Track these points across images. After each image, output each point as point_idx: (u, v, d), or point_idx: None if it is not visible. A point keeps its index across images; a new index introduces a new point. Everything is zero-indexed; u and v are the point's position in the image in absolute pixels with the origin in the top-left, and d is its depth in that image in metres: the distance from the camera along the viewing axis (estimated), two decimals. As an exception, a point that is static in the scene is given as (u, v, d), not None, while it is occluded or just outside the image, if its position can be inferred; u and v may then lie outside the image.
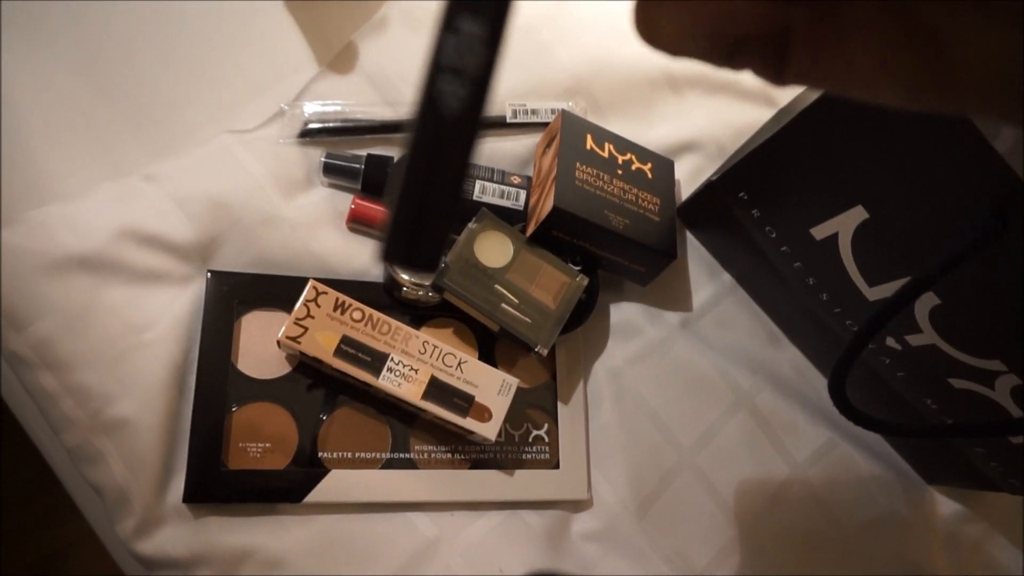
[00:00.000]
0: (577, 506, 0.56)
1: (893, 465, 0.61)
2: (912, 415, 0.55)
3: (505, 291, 0.52)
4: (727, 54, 0.19)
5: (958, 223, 0.38)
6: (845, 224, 0.46)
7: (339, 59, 0.60)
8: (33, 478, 1.03)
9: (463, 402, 0.52)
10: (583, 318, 0.56)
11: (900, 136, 0.39)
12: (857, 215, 0.45)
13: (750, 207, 0.54)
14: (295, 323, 0.50)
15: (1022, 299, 0.39)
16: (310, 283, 0.51)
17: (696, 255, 0.63)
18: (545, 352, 0.52)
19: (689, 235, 0.63)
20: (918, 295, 0.39)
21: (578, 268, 0.56)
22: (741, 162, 0.52)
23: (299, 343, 0.50)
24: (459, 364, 0.52)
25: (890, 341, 0.51)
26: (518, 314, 0.52)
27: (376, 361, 0.51)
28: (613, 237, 0.54)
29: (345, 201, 0.57)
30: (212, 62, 0.60)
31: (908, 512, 0.60)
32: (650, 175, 0.59)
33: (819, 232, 0.49)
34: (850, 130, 0.42)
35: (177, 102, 0.59)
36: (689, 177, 0.63)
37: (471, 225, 0.55)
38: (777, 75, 0.19)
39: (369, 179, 0.57)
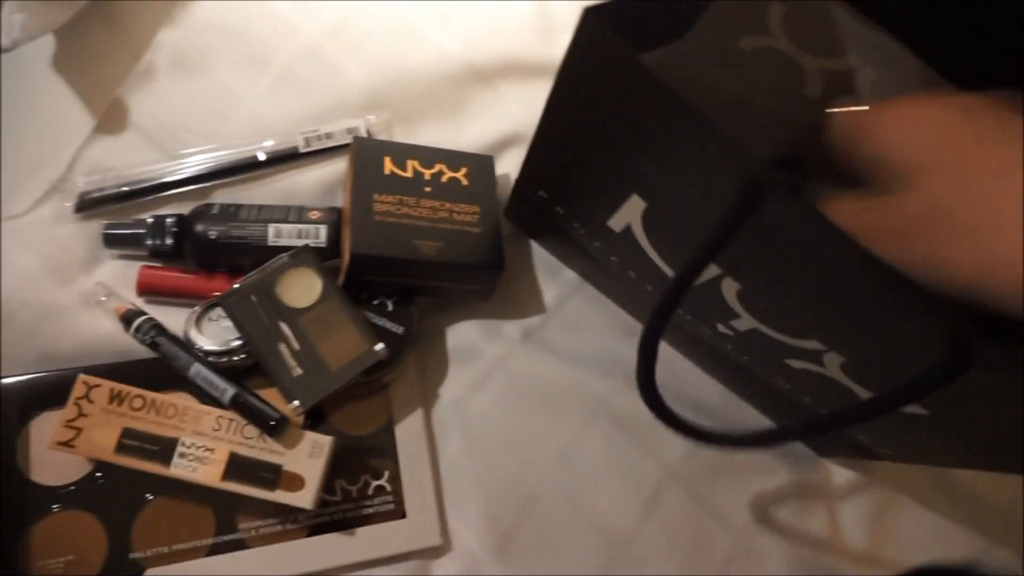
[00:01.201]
0: (434, 552, 0.52)
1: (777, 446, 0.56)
2: (776, 396, 0.50)
3: (290, 333, 0.48)
4: None
5: (719, 205, 0.33)
6: (632, 213, 0.42)
7: (109, 118, 0.55)
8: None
9: (270, 474, 0.47)
10: (401, 356, 0.51)
11: (645, 118, 0.35)
12: (637, 203, 0.40)
13: (553, 205, 0.49)
14: (66, 426, 0.46)
15: (807, 274, 0.34)
16: (79, 379, 0.46)
17: (536, 255, 0.58)
18: (301, 411, 0.47)
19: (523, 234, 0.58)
20: (688, 283, 0.34)
21: (391, 308, 0.51)
22: (526, 159, 0.47)
23: (74, 447, 0.45)
24: (261, 434, 0.48)
25: (721, 328, 0.46)
26: (292, 362, 0.47)
27: (165, 449, 0.46)
28: (429, 265, 0.49)
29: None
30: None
31: (800, 492, 0.55)
32: (466, 182, 0.53)
33: (615, 224, 0.44)
34: (597, 116, 0.38)
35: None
36: (517, 173, 0.58)
37: (285, 258, 0.50)
38: None
39: (155, 243, 0.52)
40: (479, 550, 0.51)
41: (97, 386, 0.46)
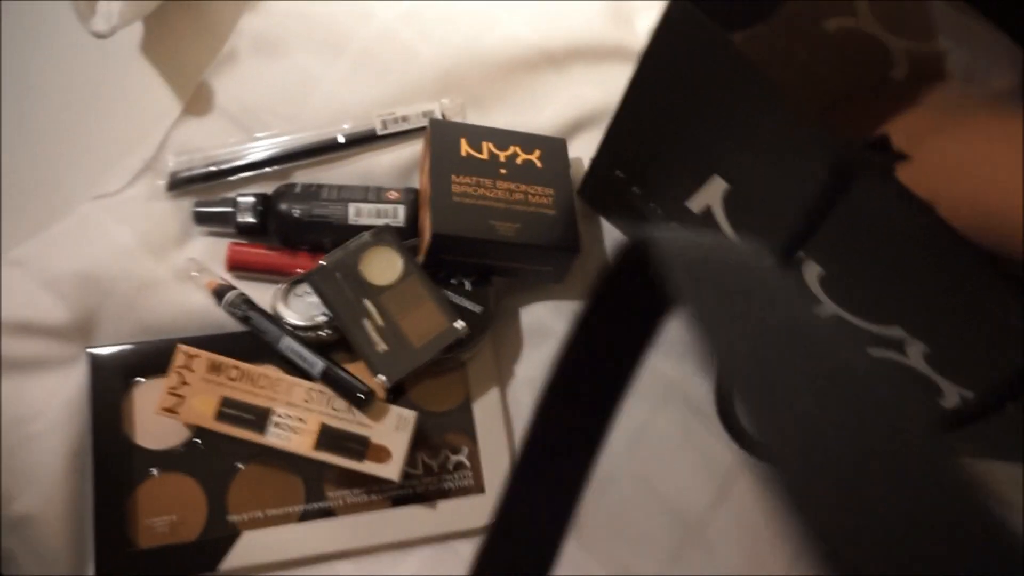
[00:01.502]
0: (511, 526, 0.53)
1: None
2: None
3: (374, 310, 0.49)
4: None
5: (808, 187, 0.34)
6: (712, 195, 0.42)
7: (195, 101, 0.57)
8: None
9: (358, 446, 0.49)
10: (481, 335, 0.52)
11: (734, 100, 0.35)
12: (719, 186, 0.41)
13: (630, 185, 0.49)
14: (169, 393, 0.48)
15: (894, 256, 0.34)
16: (178, 349, 0.49)
17: (609, 235, 0.59)
18: (388, 385, 0.49)
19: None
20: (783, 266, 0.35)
21: (468, 287, 0.53)
22: (605, 140, 0.47)
23: (177, 413, 0.48)
24: (350, 406, 0.50)
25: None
26: (376, 337, 0.49)
27: (259, 418, 0.49)
28: (506, 247, 0.50)
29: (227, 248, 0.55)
30: (75, 127, 0.59)
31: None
32: (539, 164, 0.54)
33: (695, 205, 0.45)
34: (682, 97, 0.38)
35: (43, 176, 0.57)
36: (590, 156, 0.59)
37: (366, 236, 0.52)
38: None
39: (242, 221, 0.54)
40: (553, 523, 0.53)
41: (196, 356, 0.49)
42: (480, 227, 0.50)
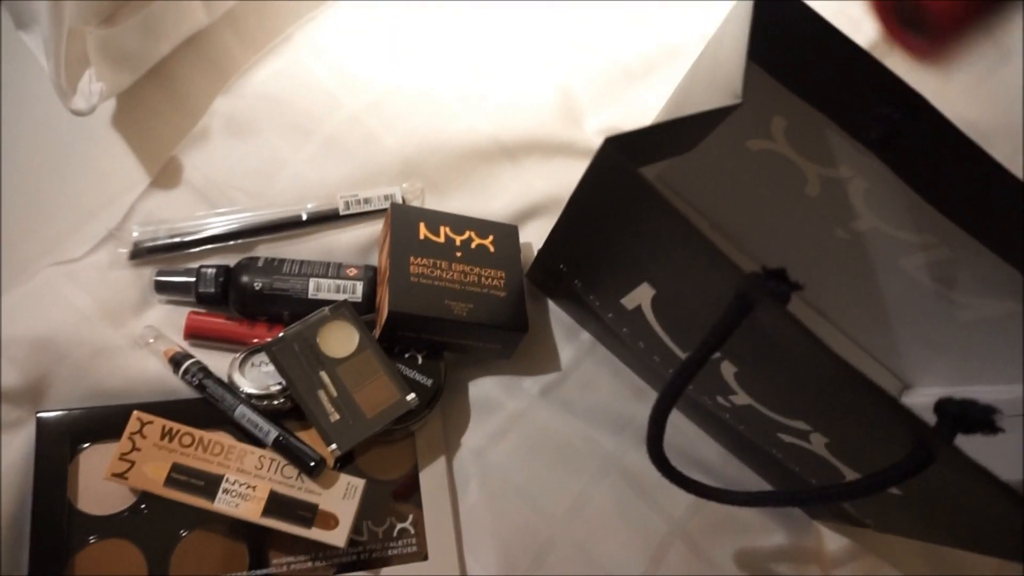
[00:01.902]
0: (452, 596, 0.55)
1: (772, 507, 0.60)
2: (771, 464, 0.54)
3: (328, 381, 0.52)
4: None
5: (717, 305, 0.38)
6: (643, 297, 0.47)
7: (164, 174, 0.60)
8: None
9: (307, 512, 0.50)
10: (427, 406, 0.55)
11: (649, 224, 0.40)
12: (647, 290, 0.46)
13: (572, 278, 0.54)
14: (120, 458, 0.49)
15: (792, 367, 0.39)
16: (133, 415, 0.50)
17: (554, 316, 0.63)
18: (339, 453, 0.51)
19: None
20: (691, 374, 0.39)
21: (420, 361, 0.56)
22: (549, 237, 0.52)
23: (127, 479, 0.49)
24: (299, 474, 0.51)
25: (720, 400, 0.50)
26: (330, 407, 0.51)
27: (210, 485, 0.50)
28: (459, 325, 0.54)
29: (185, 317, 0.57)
30: (41, 192, 0.60)
31: (796, 554, 0.59)
32: (492, 248, 0.58)
33: (628, 303, 0.49)
34: (610, 218, 0.43)
35: (6, 238, 0.58)
36: (539, 241, 0.63)
37: (326, 311, 0.54)
38: None
39: (202, 292, 0.56)
40: (494, 593, 0.55)
41: (150, 423, 0.50)
42: (435, 306, 0.53)
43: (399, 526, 0.55)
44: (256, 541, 0.52)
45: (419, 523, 0.55)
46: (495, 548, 0.56)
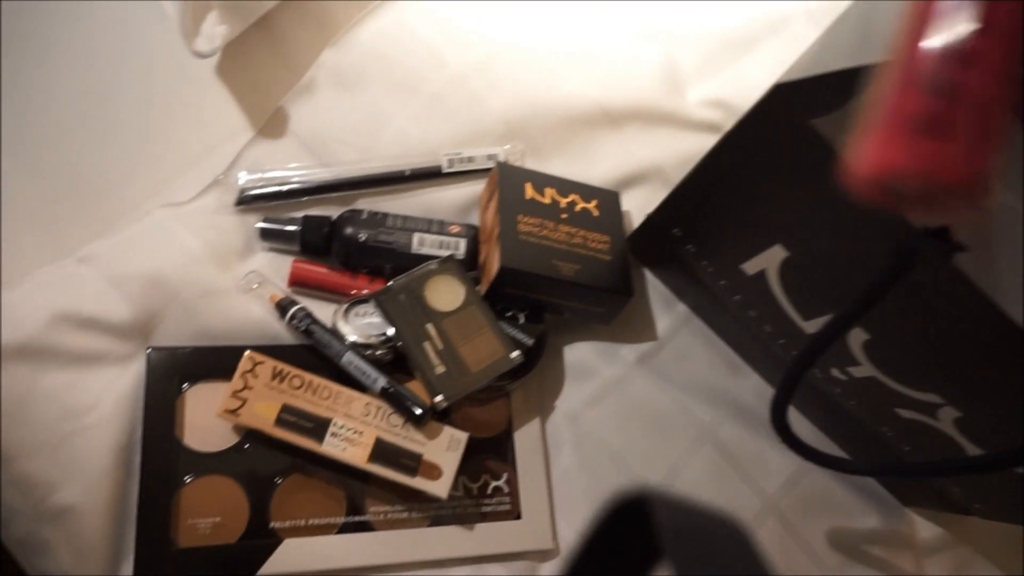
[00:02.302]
0: (543, 556, 0.55)
1: (866, 489, 0.59)
2: (874, 442, 0.53)
3: (435, 334, 0.52)
4: None
5: (870, 263, 0.37)
6: (770, 261, 0.46)
7: (270, 124, 0.60)
8: None
9: (411, 462, 0.51)
10: (530, 367, 0.55)
11: (809, 179, 0.39)
12: (778, 253, 0.45)
13: (685, 243, 0.53)
14: (233, 396, 0.49)
15: (943, 333, 0.38)
16: (246, 354, 0.50)
17: (650, 286, 0.62)
18: (444, 405, 0.50)
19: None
20: (836, 336, 0.38)
21: (522, 321, 0.55)
22: (669, 198, 0.51)
23: (238, 416, 0.49)
24: (405, 423, 0.51)
25: (835, 372, 0.49)
26: (435, 360, 0.51)
27: (318, 427, 0.50)
28: (566, 285, 0.53)
29: (287, 265, 0.57)
30: (148, 135, 0.61)
31: (888, 539, 0.58)
32: (596, 213, 0.58)
33: (749, 268, 0.48)
34: (760, 171, 0.42)
35: (114, 179, 0.59)
36: (638, 210, 0.62)
37: (432, 265, 0.54)
38: None
39: (307, 241, 0.57)
40: (584, 556, 0.54)
41: (261, 363, 0.50)
42: (544, 265, 0.53)
43: (493, 484, 0.55)
44: (353, 489, 0.53)
45: (512, 482, 0.55)
46: (587, 512, 0.56)
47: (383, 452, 0.50)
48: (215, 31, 0.53)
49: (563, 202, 0.57)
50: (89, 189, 0.58)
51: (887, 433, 0.51)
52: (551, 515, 0.55)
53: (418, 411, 0.50)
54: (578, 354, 0.59)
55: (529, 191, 0.57)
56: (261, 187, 0.58)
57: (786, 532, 0.57)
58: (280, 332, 0.56)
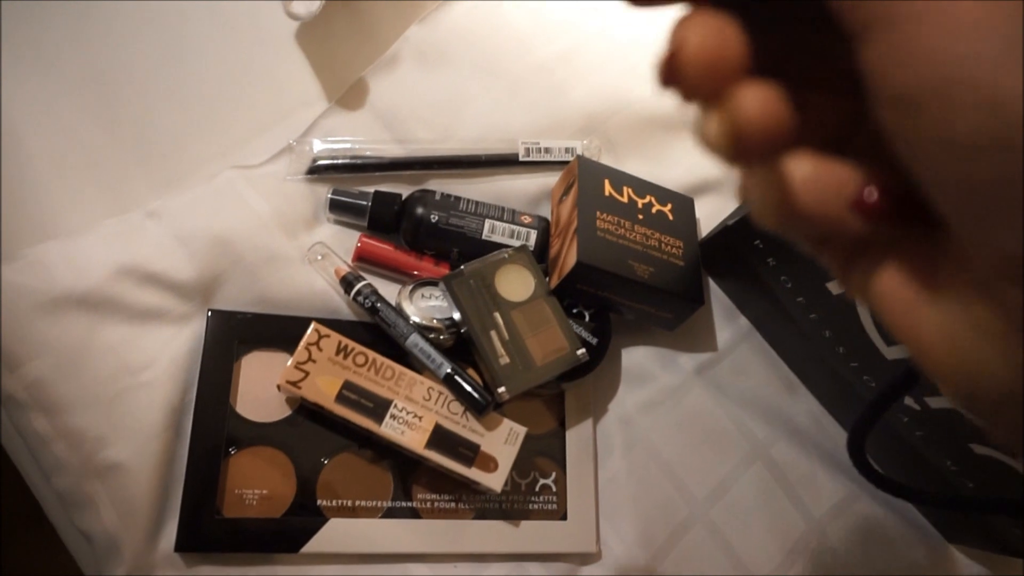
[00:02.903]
0: (585, 558, 0.54)
1: (913, 521, 0.58)
2: (930, 474, 0.52)
3: (501, 323, 0.51)
4: (817, 238, 0.21)
5: None
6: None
7: (349, 95, 0.59)
8: (21, 516, 1.01)
9: (468, 451, 0.50)
10: (592, 365, 0.54)
11: None
12: None
13: (765, 255, 0.52)
14: (296, 367, 0.48)
15: None
16: (312, 326, 0.49)
17: (713, 296, 0.61)
18: (507, 397, 0.49)
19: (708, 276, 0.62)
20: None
21: (587, 319, 0.54)
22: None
23: (300, 388, 0.48)
24: (465, 411, 0.50)
25: (909, 401, 0.48)
26: (501, 349, 0.50)
27: (379, 407, 0.49)
28: (639, 287, 0.52)
29: (352, 239, 0.56)
30: (220, 96, 0.60)
31: (931, 572, 0.57)
32: (671, 216, 0.57)
33: (835, 287, 0.47)
34: None
35: (184, 136, 0.58)
36: (708, 218, 0.61)
37: (505, 253, 0.53)
38: (844, 278, 0.21)
39: (376, 216, 0.56)
40: (628, 564, 0.54)
41: (327, 336, 0.49)
42: (620, 264, 0.52)
43: (541, 481, 0.54)
44: (401, 473, 0.52)
45: (560, 482, 0.54)
46: (633, 519, 0.55)
47: (441, 439, 0.49)
48: (311, -7, 0.52)
49: (640, 203, 0.56)
50: (158, 145, 0.57)
51: (950, 467, 0.50)
52: (596, 518, 0.54)
53: (483, 402, 0.49)
54: (635, 358, 0.58)
55: (607, 188, 0.56)
56: (334, 157, 0.57)
57: (830, 557, 0.56)
58: (340, 306, 0.55)
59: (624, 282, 0.52)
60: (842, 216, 0.18)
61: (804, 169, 0.18)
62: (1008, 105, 0.14)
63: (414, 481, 0.52)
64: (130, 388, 0.49)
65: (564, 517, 0.54)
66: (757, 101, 0.17)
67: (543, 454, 0.55)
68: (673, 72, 0.17)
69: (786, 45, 0.20)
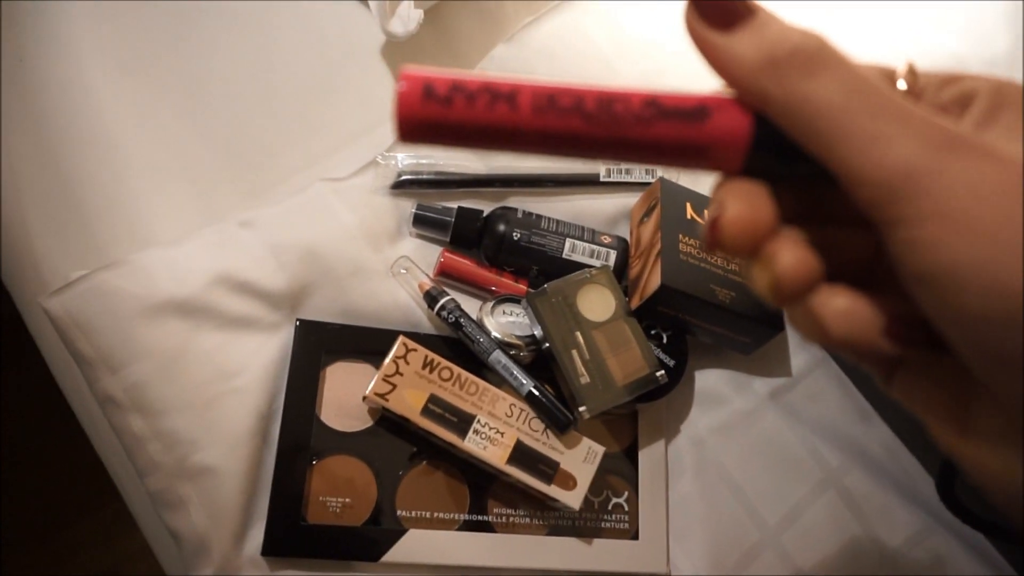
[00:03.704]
0: (655, 580, 0.54)
1: (989, 558, 0.58)
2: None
3: (582, 342, 0.51)
4: (856, 356, 0.24)
5: None
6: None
7: (433, 111, 0.60)
8: (88, 497, 1.05)
9: (548, 468, 0.50)
10: (670, 387, 0.54)
11: None
12: None
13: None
14: (384, 380, 0.49)
15: None
16: (400, 339, 0.51)
17: (788, 322, 0.61)
18: (587, 416, 0.50)
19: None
20: None
21: (665, 340, 0.55)
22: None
23: (387, 400, 0.49)
24: (545, 429, 0.51)
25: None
26: (581, 368, 0.51)
27: (462, 422, 0.50)
28: (719, 311, 0.53)
29: (433, 253, 0.57)
30: (308, 108, 0.62)
31: (1005, 610, 0.56)
32: (743, 241, 0.57)
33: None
34: None
35: (272, 146, 0.60)
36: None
37: (587, 273, 0.54)
38: (886, 385, 0.24)
39: (459, 232, 0.57)
40: (698, 586, 0.54)
41: (414, 350, 0.50)
42: (702, 288, 0.52)
43: (614, 500, 0.55)
44: (477, 487, 0.53)
45: (632, 502, 0.55)
46: (703, 541, 0.55)
47: (522, 455, 0.50)
48: (411, 14, 0.53)
49: (719, 227, 0.56)
50: (248, 154, 0.59)
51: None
52: (667, 539, 0.55)
53: (566, 421, 0.50)
54: (709, 380, 0.59)
55: (689, 211, 0.56)
56: (418, 173, 0.59)
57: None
58: (421, 320, 0.56)
59: (705, 306, 0.52)
60: (876, 341, 0.21)
61: (837, 304, 0.21)
62: (1010, 292, 0.17)
63: (490, 495, 0.53)
64: (223, 394, 0.51)
65: (636, 536, 0.54)
66: (790, 258, 0.20)
67: (616, 473, 0.55)
68: (715, 239, 0.21)
69: (808, 194, 0.23)
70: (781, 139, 0.21)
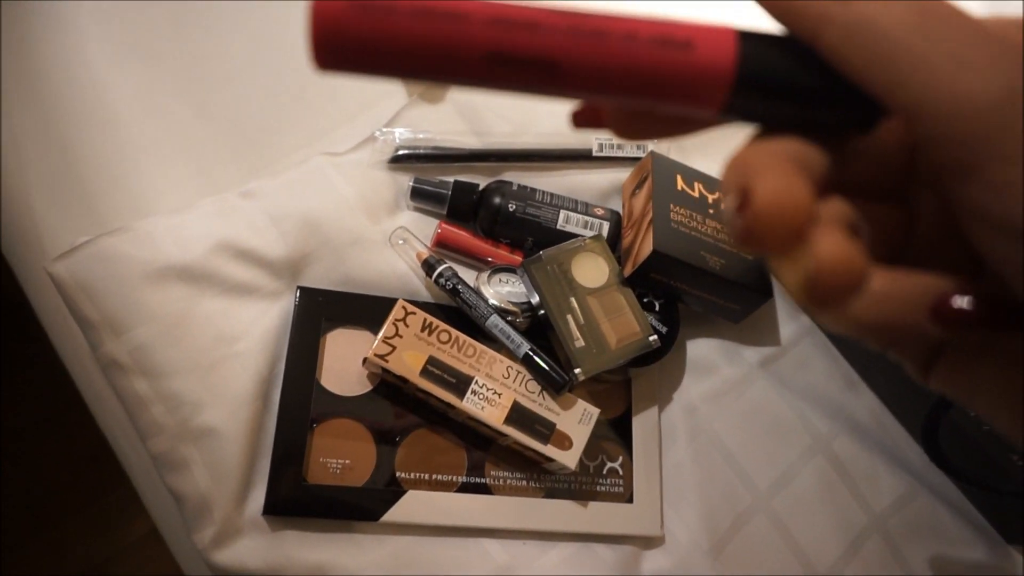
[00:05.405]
0: (649, 542, 0.55)
1: (973, 520, 0.59)
2: (994, 467, 0.53)
3: (577, 307, 0.53)
4: (889, 343, 0.21)
5: None
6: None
7: (430, 89, 0.62)
8: (98, 479, 1.05)
9: (544, 429, 0.52)
10: (662, 353, 0.56)
11: None
12: None
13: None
14: (384, 341, 0.51)
15: None
16: (399, 302, 0.52)
17: (777, 293, 0.63)
18: (582, 378, 0.51)
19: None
20: None
21: (657, 308, 0.56)
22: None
23: (387, 361, 0.50)
24: (541, 391, 0.52)
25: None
26: (576, 332, 0.52)
27: (461, 383, 0.51)
28: (710, 277, 0.54)
29: (430, 225, 0.58)
30: (307, 86, 0.63)
31: (991, 572, 0.58)
32: (732, 213, 0.59)
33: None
34: None
35: (273, 124, 0.61)
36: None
37: (581, 241, 0.55)
38: (923, 374, 0.21)
39: (455, 204, 0.58)
40: (691, 549, 0.55)
41: (413, 313, 0.52)
42: (693, 255, 0.54)
43: (609, 464, 0.56)
44: (475, 450, 0.54)
45: (627, 466, 0.56)
46: (696, 506, 0.56)
47: (519, 415, 0.51)
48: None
49: (710, 198, 0.58)
50: (249, 132, 0.60)
51: (1018, 462, 0.51)
52: (661, 503, 0.56)
53: (561, 382, 0.51)
54: (700, 350, 0.60)
55: (680, 183, 0.57)
56: (415, 148, 0.60)
57: (889, 552, 0.57)
58: (419, 288, 0.57)
59: (696, 272, 0.54)
60: (919, 325, 0.18)
61: (880, 281, 0.18)
62: None
63: (487, 458, 0.54)
64: (225, 357, 0.52)
65: (630, 500, 0.55)
66: (831, 248, 0.17)
67: (610, 439, 0.57)
68: (750, 231, 0.17)
69: (838, 162, 0.20)
70: (770, 72, 0.19)
